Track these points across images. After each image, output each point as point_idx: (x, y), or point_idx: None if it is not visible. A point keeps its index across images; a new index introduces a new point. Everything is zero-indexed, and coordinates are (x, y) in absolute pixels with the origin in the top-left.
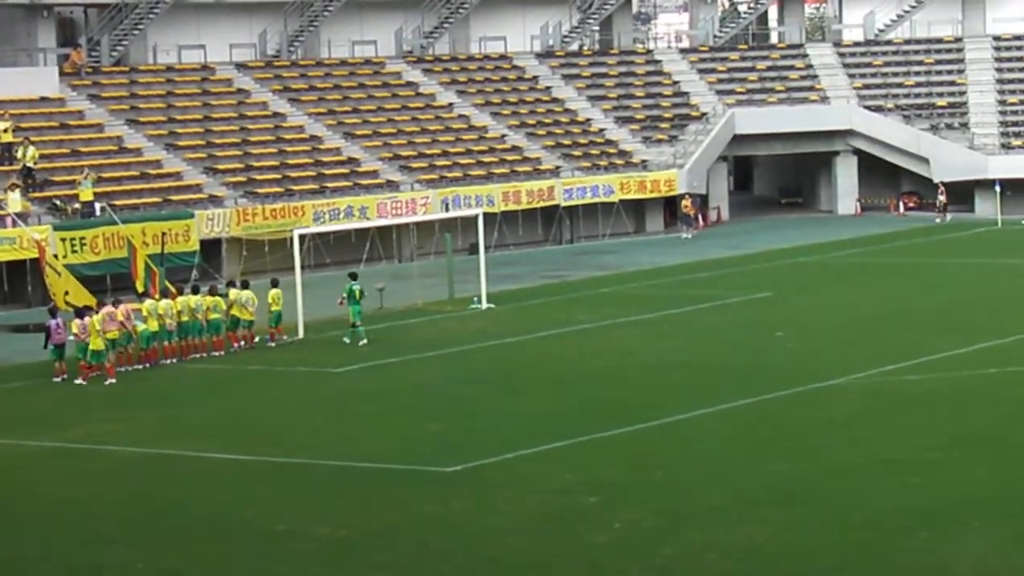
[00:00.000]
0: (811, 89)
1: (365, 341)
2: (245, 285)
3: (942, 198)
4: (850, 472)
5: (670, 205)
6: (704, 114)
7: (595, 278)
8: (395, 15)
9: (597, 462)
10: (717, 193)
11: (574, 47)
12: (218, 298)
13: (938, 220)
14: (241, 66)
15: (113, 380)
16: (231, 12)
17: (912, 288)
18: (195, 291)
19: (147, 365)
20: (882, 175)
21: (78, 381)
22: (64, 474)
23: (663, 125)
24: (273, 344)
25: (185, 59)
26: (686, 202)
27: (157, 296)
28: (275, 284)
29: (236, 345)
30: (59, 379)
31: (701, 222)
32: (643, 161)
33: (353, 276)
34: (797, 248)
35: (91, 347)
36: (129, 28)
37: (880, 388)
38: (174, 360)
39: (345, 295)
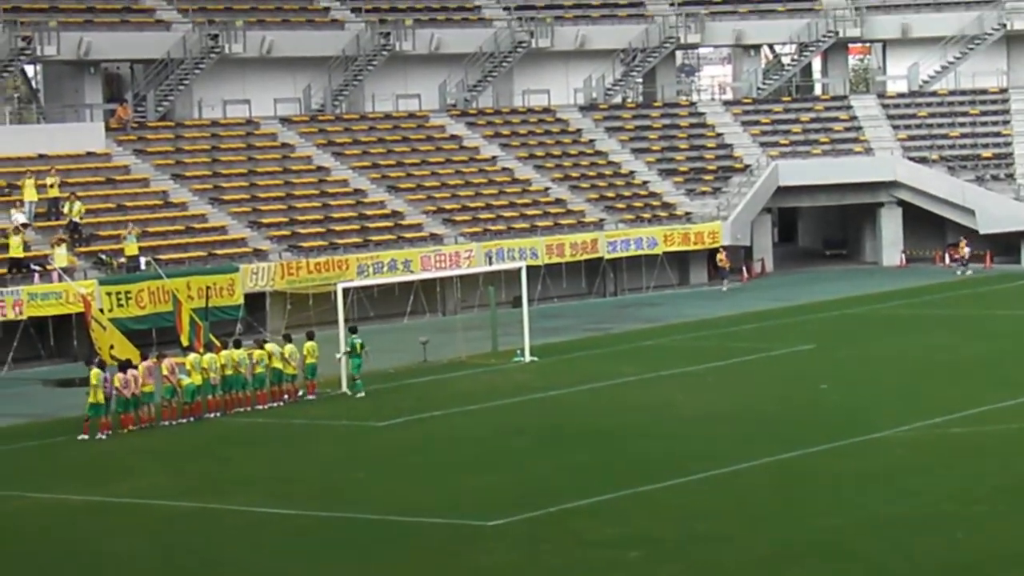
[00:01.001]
0: (855, 141)
1: (362, 394)
2: (287, 339)
3: (965, 250)
4: (894, 525)
5: (714, 257)
6: (748, 166)
7: (639, 331)
8: (439, 69)
9: (641, 515)
10: (761, 245)
11: (617, 100)
12: (263, 351)
13: (959, 273)
14: (285, 120)
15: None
16: (275, 67)
17: (958, 340)
18: (236, 345)
19: (192, 419)
20: (927, 226)
21: (101, 434)
22: (108, 529)
23: (707, 177)
24: (313, 397)
25: (230, 114)
26: (721, 255)
27: (201, 350)
28: (311, 337)
29: (280, 400)
30: (103, 434)
31: (745, 274)
32: (687, 213)
33: (353, 330)
34: (842, 300)
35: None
36: (175, 84)
37: (925, 440)
38: (218, 414)
39: (348, 349)
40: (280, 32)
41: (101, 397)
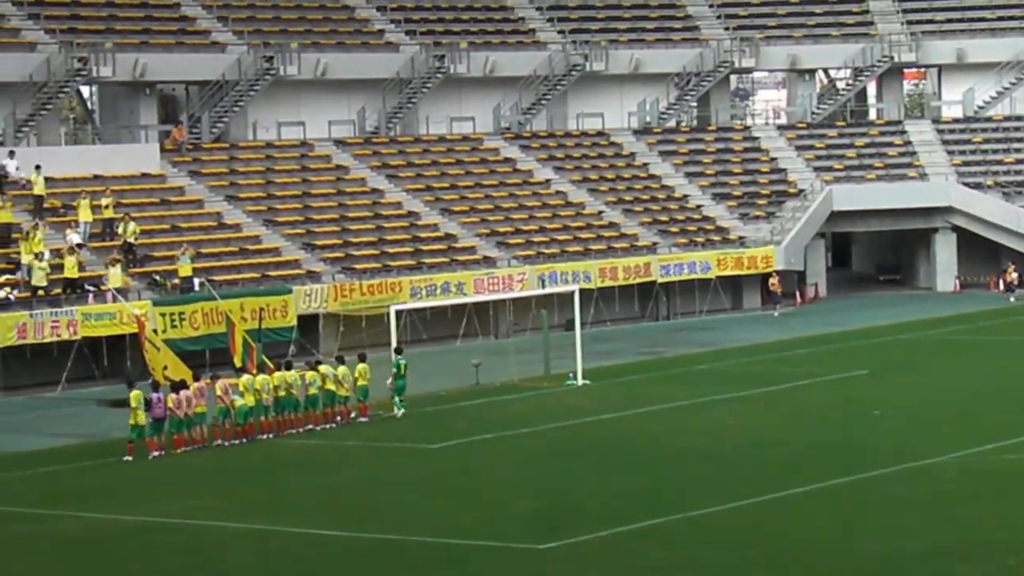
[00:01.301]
0: (909, 166)
1: (401, 412)
2: (340, 360)
3: (1013, 275)
4: (945, 553)
5: (767, 282)
6: (802, 191)
7: (691, 355)
8: (493, 92)
9: (692, 540)
10: (815, 270)
11: (671, 123)
12: (315, 373)
13: (1012, 299)
14: (340, 142)
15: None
16: (330, 89)
17: (1012, 366)
18: (287, 367)
19: (244, 440)
20: (981, 252)
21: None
22: (157, 549)
23: (760, 202)
24: (366, 419)
25: (284, 136)
26: (773, 280)
27: (254, 371)
28: (363, 359)
29: (333, 421)
30: (156, 453)
31: (799, 299)
32: (740, 238)
33: (398, 351)
34: (895, 325)
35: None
36: (229, 105)
37: (978, 467)
38: (271, 435)
39: (394, 370)
40: (335, 54)
41: (142, 418)
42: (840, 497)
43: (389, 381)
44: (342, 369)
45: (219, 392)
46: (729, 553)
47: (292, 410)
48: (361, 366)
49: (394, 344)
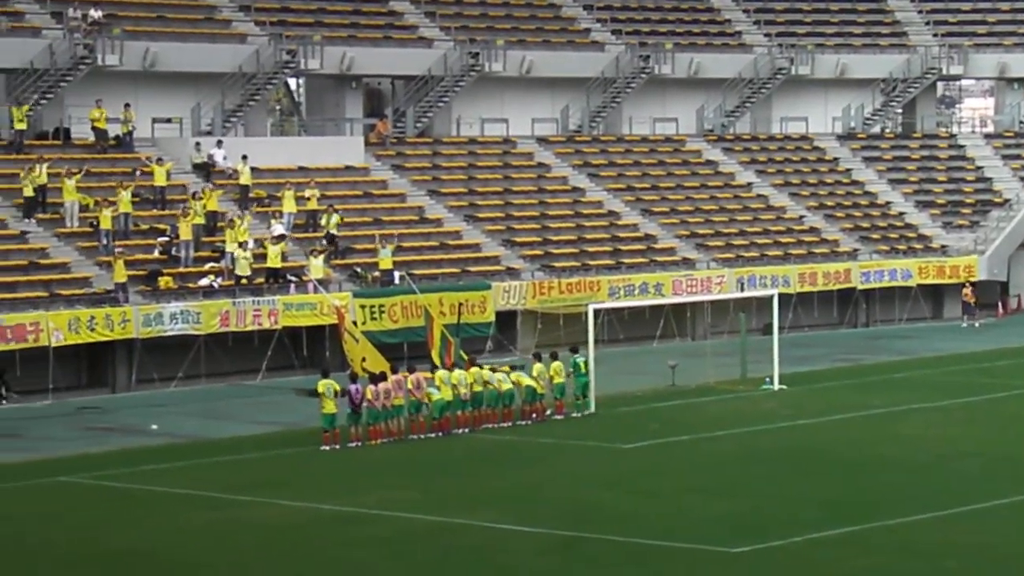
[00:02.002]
0: None
1: (586, 412)
2: (537, 358)
3: None
4: None
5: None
6: (1007, 200)
7: (890, 363)
8: (697, 94)
9: (887, 549)
10: (1018, 281)
11: (876, 130)
12: (512, 369)
13: None
14: (542, 140)
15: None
16: (534, 87)
17: None
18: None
19: (440, 434)
20: None
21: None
22: (354, 539)
23: (964, 210)
24: (561, 417)
25: (488, 132)
26: (966, 290)
27: (451, 366)
28: (555, 357)
29: (528, 418)
30: (354, 444)
31: (1001, 310)
32: (943, 246)
33: (574, 350)
34: None
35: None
36: (434, 100)
37: None
38: (466, 430)
39: (571, 369)
40: (540, 52)
41: (332, 407)
42: None
43: (568, 373)
44: (538, 366)
45: (410, 386)
46: (926, 563)
47: (489, 406)
48: (556, 364)
49: (591, 341)
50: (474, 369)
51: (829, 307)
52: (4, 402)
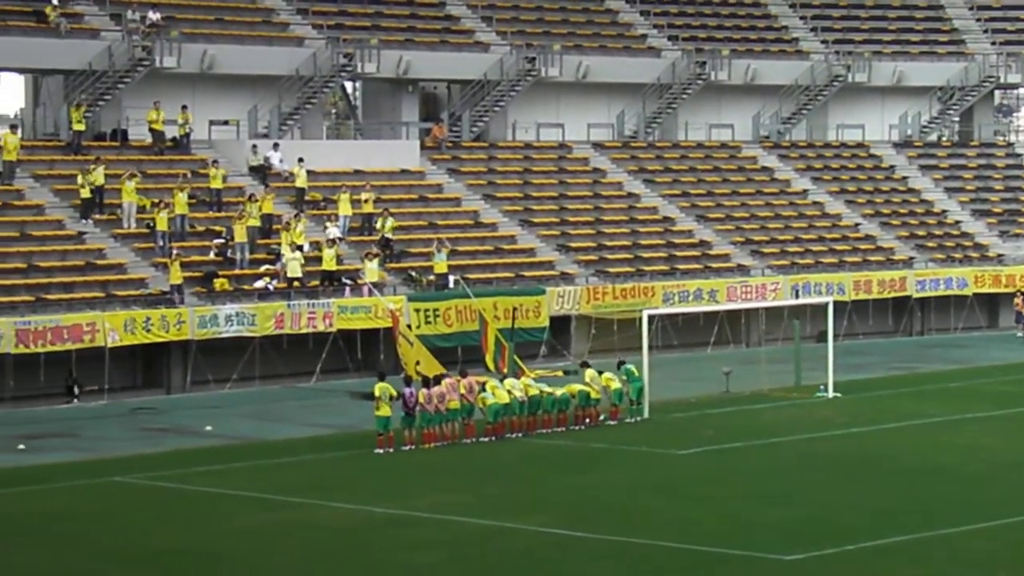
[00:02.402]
0: None
1: (640, 418)
2: (585, 364)
3: None
4: None
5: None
6: None
7: (945, 371)
8: (753, 100)
9: (940, 559)
10: None
11: (932, 138)
12: (565, 374)
13: None
14: (598, 145)
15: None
16: (590, 92)
17: None
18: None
19: (494, 438)
20: None
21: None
22: (407, 542)
23: (1021, 219)
24: (615, 423)
25: (543, 137)
26: (1018, 300)
27: (505, 370)
28: (586, 366)
29: (582, 423)
30: (408, 447)
31: None
32: (999, 255)
33: (621, 363)
34: None
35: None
36: (490, 105)
37: None
38: (520, 434)
39: (625, 377)
40: (596, 57)
41: (386, 411)
42: None
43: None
44: (590, 372)
45: (463, 390)
46: (979, 573)
47: (543, 410)
48: (606, 376)
49: (645, 347)
50: (529, 373)
51: (884, 315)
52: (76, 400)
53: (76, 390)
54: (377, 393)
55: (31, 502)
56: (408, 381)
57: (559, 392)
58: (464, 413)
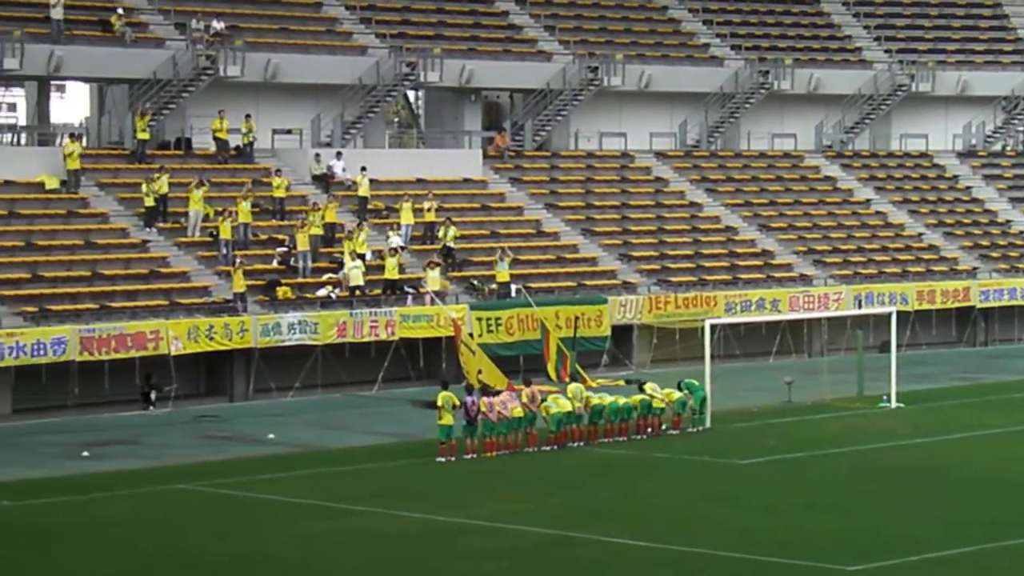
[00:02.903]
0: None
1: (702, 428)
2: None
3: None
4: None
5: None
6: None
7: (1009, 382)
8: (816, 109)
9: (1003, 570)
10: None
11: (997, 147)
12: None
13: None
14: (660, 155)
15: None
16: (653, 101)
17: None
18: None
19: (556, 447)
20: None
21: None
22: (467, 551)
23: None
24: (676, 432)
25: (606, 146)
26: None
27: (567, 379)
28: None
29: (644, 432)
30: (470, 456)
31: None
32: None
33: (680, 384)
34: None
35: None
36: (553, 114)
37: None
38: (582, 443)
39: (686, 391)
40: (659, 67)
41: (449, 419)
42: None
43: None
44: (650, 384)
45: (525, 399)
46: None
47: (607, 419)
48: (668, 391)
49: (707, 357)
50: (591, 382)
51: (947, 325)
52: (152, 407)
53: (153, 396)
54: (439, 402)
55: (94, 509)
56: (470, 390)
57: (621, 401)
58: (527, 422)
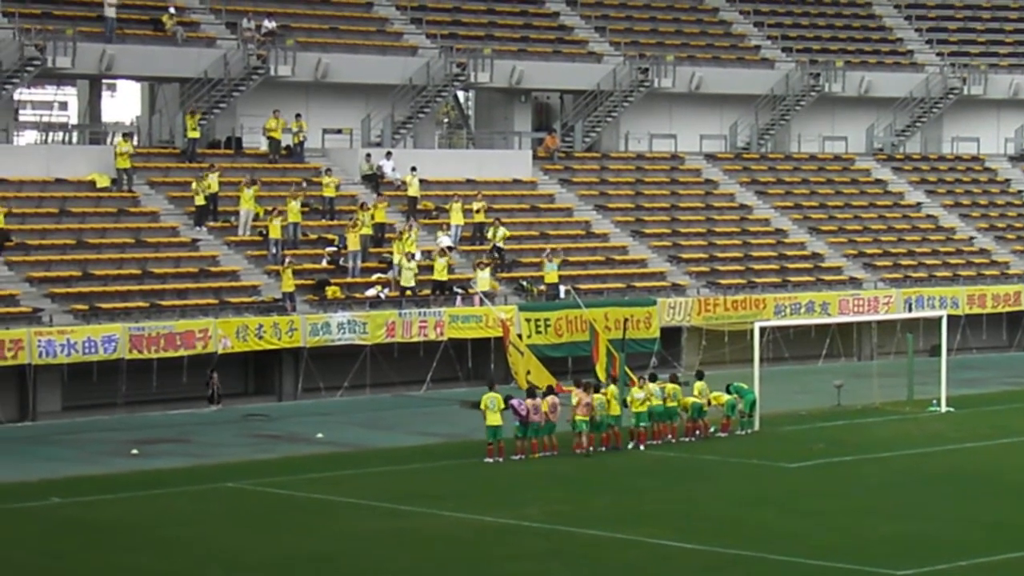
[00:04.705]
0: None
1: (751, 431)
2: (699, 376)
3: None
4: None
5: None
6: None
7: None
8: (867, 112)
9: None
10: None
11: None
12: (676, 386)
13: None
14: (710, 157)
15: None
16: (703, 103)
17: None
18: (652, 379)
19: (604, 448)
20: None
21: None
22: (516, 552)
23: None
24: (725, 435)
25: (656, 148)
26: None
27: (616, 381)
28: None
29: (693, 435)
30: (518, 457)
31: None
32: None
33: (727, 389)
34: None
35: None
36: (603, 115)
37: None
38: (631, 445)
39: (735, 394)
40: (709, 68)
41: (495, 420)
42: None
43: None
44: (699, 384)
45: (573, 402)
46: None
47: (661, 421)
48: (716, 393)
49: (756, 359)
50: (648, 385)
51: (998, 329)
52: (211, 405)
53: (217, 394)
54: (483, 406)
55: (143, 507)
56: (532, 392)
57: (668, 404)
58: (547, 431)
